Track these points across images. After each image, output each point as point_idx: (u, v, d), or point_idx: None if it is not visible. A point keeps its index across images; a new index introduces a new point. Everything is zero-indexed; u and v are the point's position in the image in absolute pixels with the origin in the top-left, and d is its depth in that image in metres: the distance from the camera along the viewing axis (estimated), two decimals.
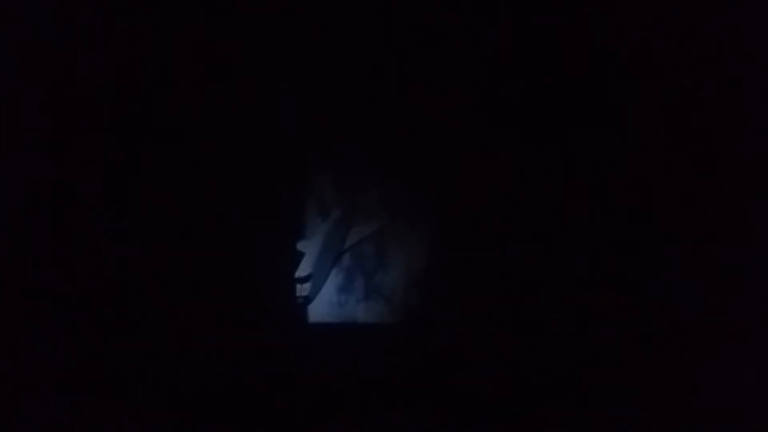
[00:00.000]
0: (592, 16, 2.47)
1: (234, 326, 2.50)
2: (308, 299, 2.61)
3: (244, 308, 2.52)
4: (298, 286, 2.59)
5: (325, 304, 2.64)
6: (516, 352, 2.48)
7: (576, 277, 2.49)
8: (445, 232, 2.61)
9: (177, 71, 2.53)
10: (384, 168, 2.67)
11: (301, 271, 2.60)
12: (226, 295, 2.51)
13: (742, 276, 2.36)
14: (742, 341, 2.33)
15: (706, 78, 2.41)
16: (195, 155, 2.54)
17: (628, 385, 2.39)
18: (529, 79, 2.53)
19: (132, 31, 2.48)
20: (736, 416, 2.26)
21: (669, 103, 2.45)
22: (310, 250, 2.64)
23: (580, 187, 2.51)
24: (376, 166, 2.68)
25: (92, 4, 2.45)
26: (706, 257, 2.40)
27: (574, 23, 2.48)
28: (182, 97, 2.52)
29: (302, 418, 2.45)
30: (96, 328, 2.42)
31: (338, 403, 2.48)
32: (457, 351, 2.51)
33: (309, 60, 2.59)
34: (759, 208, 2.37)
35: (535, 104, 2.53)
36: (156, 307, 2.47)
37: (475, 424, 2.43)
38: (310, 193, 2.71)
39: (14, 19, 2.39)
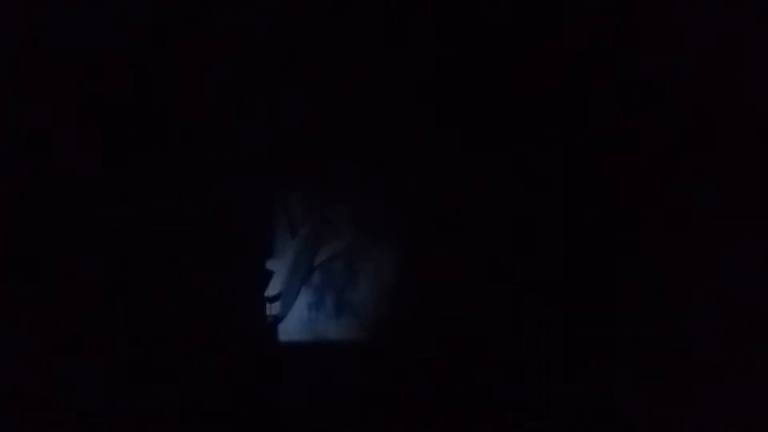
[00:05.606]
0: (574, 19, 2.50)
1: (204, 347, 2.45)
2: (278, 318, 2.61)
3: (213, 328, 2.47)
4: (268, 305, 2.59)
5: (295, 322, 2.63)
6: (488, 365, 2.50)
7: (549, 289, 2.51)
8: (414, 246, 2.64)
9: (142, 87, 2.50)
10: (352, 184, 2.69)
11: (271, 290, 2.60)
12: (195, 316, 2.46)
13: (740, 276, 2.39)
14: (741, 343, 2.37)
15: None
16: (161, 173, 2.51)
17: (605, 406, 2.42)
18: (500, 97, 2.57)
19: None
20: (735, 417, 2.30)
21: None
22: (279, 268, 2.64)
23: (551, 199, 2.54)
24: (343, 183, 2.70)
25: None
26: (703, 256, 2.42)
27: (556, 27, 2.51)
28: (147, 113, 2.49)
29: None
30: (58, 348, 2.35)
31: (310, 421, 2.45)
32: (428, 366, 2.52)
33: (277, 76, 2.59)
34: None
35: (506, 120, 2.57)
36: (123, 328, 2.40)
37: None
38: (278, 212, 2.71)
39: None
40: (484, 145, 2.58)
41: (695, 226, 2.39)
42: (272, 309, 2.59)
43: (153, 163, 2.49)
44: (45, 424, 2.26)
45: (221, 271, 2.52)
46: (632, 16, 2.42)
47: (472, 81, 2.57)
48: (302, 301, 2.66)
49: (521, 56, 2.53)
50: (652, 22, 2.41)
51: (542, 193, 2.55)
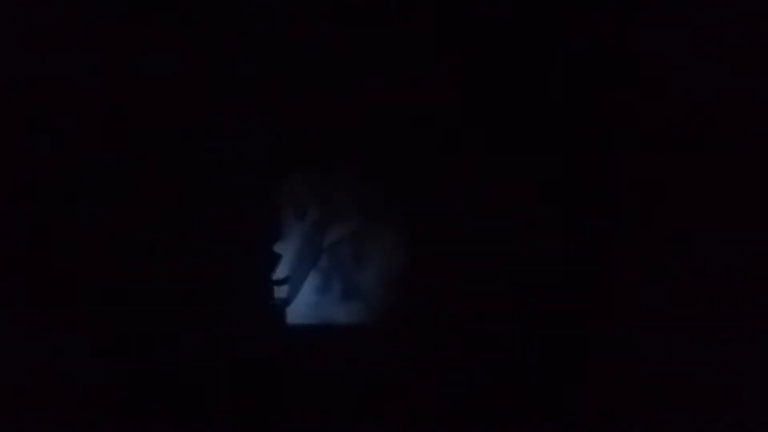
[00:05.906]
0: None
1: (211, 330, 2.46)
2: (286, 301, 2.61)
3: (221, 312, 2.48)
4: (276, 288, 2.60)
5: (303, 306, 2.64)
6: (495, 351, 2.53)
7: (554, 277, 2.53)
8: (422, 231, 2.63)
9: (148, 71, 2.46)
10: (360, 168, 2.66)
11: (279, 273, 2.60)
12: (202, 299, 2.47)
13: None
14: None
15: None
16: (168, 156, 2.48)
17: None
18: (507, 81, 2.57)
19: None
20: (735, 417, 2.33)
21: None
22: (287, 252, 2.63)
23: (556, 188, 2.55)
24: (352, 167, 2.67)
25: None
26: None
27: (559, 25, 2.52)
28: (152, 97, 2.45)
29: (281, 420, 2.45)
30: (60, 336, 2.38)
31: (318, 405, 2.48)
32: (436, 351, 2.54)
33: (283, 60, 2.56)
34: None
35: (512, 104, 2.56)
36: (130, 311, 2.42)
37: (455, 425, 2.46)
38: (286, 195, 2.68)
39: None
40: (498, 133, 2.57)
41: (695, 226, 2.40)
42: (280, 292, 2.60)
43: (159, 144, 2.46)
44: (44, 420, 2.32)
45: (229, 254, 2.52)
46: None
47: (477, 75, 2.55)
48: (309, 284, 2.66)
49: (523, 54, 2.52)
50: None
51: (557, 183, 2.55)
